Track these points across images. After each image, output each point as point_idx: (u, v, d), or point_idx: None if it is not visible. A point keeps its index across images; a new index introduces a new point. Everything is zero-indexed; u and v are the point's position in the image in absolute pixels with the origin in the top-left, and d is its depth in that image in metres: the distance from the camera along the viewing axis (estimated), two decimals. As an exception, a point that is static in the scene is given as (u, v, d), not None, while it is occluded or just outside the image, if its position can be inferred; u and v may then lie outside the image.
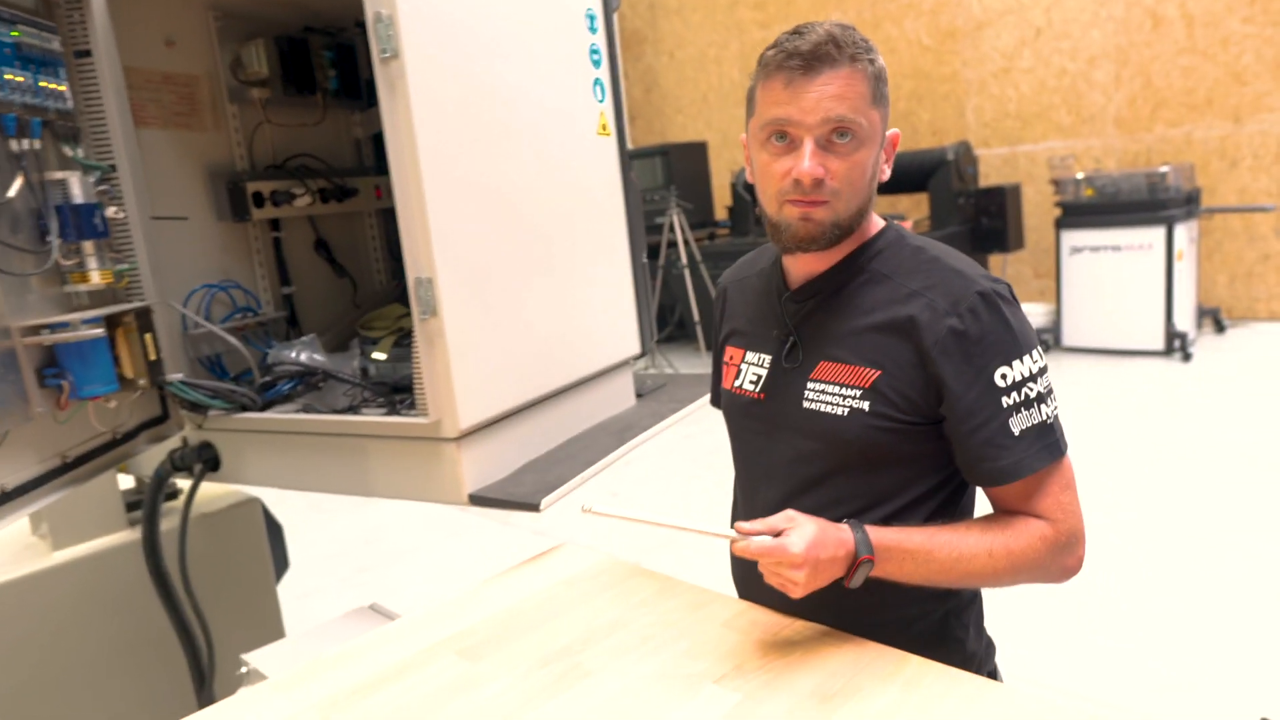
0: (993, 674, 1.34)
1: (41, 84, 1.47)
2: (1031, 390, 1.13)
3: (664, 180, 7.85)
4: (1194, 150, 6.96)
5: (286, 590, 2.36)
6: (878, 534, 1.13)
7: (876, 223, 1.26)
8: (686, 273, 6.96)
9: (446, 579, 3.92)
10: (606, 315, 1.97)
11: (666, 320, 8.04)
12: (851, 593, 1.17)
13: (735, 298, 1.42)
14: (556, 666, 1.23)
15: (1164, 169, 6.25)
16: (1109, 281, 6.39)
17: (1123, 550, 3.44)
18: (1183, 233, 6.22)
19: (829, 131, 1.11)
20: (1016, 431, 1.12)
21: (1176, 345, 6.18)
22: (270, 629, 2.22)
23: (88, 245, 1.52)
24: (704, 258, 7.11)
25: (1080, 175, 6.62)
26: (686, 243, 6.98)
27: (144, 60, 1.81)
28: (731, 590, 1.44)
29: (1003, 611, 2.86)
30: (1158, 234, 6.14)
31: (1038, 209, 7.56)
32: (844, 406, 1.18)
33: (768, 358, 1.30)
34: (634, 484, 4.76)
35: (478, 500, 1.57)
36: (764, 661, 1.18)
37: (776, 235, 1.20)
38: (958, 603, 1.28)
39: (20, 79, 1.41)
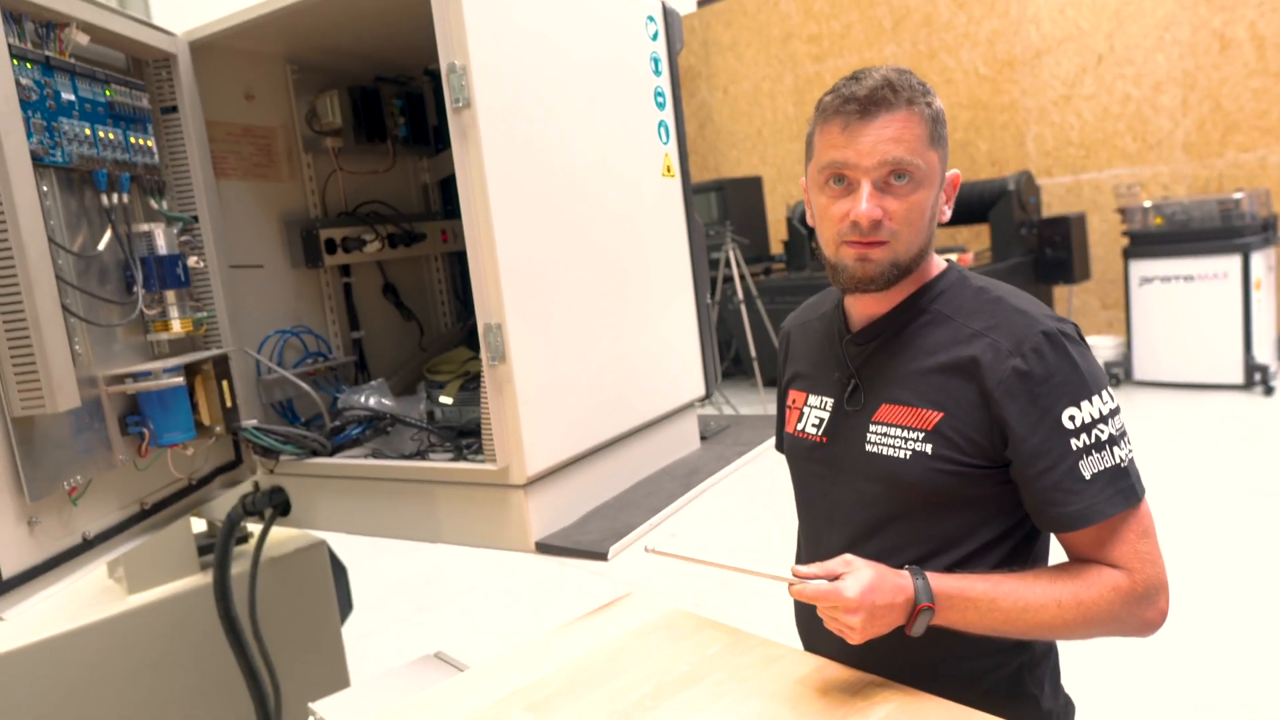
0: None
1: (131, 140, 1.52)
2: (1103, 432, 1.10)
3: (719, 216, 7.86)
4: (1269, 175, 6.72)
5: (348, 630, 2.37)
6: (939, 581, 1.10)
7: (938, 264, 1.25)
8: (743, 308, 6.93)
9: (507, 619, 3.91)
10: (672, 358, 1.95)
11: (723, 356, 8.00)
12: (920, 643, 1.14)
13: (798, 341, 1.43)
14: (630, 725, 1.19)
15: (1238, 195, 6.05)
16: (1182, 312, 6.18)
17: (1208, 600, 3.27)
18: (1260, 260, 5.99)
19: (886, 174, 1.12)
20: (1087, 475, 1.09)
21: (1257, 378, 5.93)
22: (335, 673, 2.23)
23: (170, 295, 1.56)
24: (760, 293, 7.08)
25: (1148, 203, 6.44)
26: (743, 278, 6.95)
27: (225, 114, 1.86)
28: (797, 635, 1.40)
29: (1084, 668, 2.74)
30: (1233, 262, 5.93)
31: (1104, 238, 7.38)
32: (906, 449, 1.17)
33: (830, 400, 1.29)
34: (694, 525, 4.71)
35: (545, 549, 1.55)
36: (846, 723, 1.14)
37: (835, 277, 1.21)
38: (1031, 656, 1.23)
39: (112, 136, 1.47)
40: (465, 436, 1.81)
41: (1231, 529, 3.87)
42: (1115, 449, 1.10)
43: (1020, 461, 1.11)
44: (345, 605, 2.41)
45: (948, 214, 1.22)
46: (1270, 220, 6.18)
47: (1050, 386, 1.10)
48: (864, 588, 1.07)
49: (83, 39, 1.43)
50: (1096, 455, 1.09)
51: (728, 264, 6.93)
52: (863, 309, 1.26)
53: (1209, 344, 6.09)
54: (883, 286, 1.18)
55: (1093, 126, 7.45)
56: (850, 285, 1.19)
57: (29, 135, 1.27)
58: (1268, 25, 6.55)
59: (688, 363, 2.00)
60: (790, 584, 1.12)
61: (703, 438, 2.10)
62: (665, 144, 1.95)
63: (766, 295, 7.19)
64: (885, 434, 1.19)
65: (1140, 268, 6.35)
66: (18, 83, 1.25)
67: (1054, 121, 7.64)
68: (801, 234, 7.68)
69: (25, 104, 1.27)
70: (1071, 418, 1.09)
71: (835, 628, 1.10)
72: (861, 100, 1.12)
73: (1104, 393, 1.12)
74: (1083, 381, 1.11)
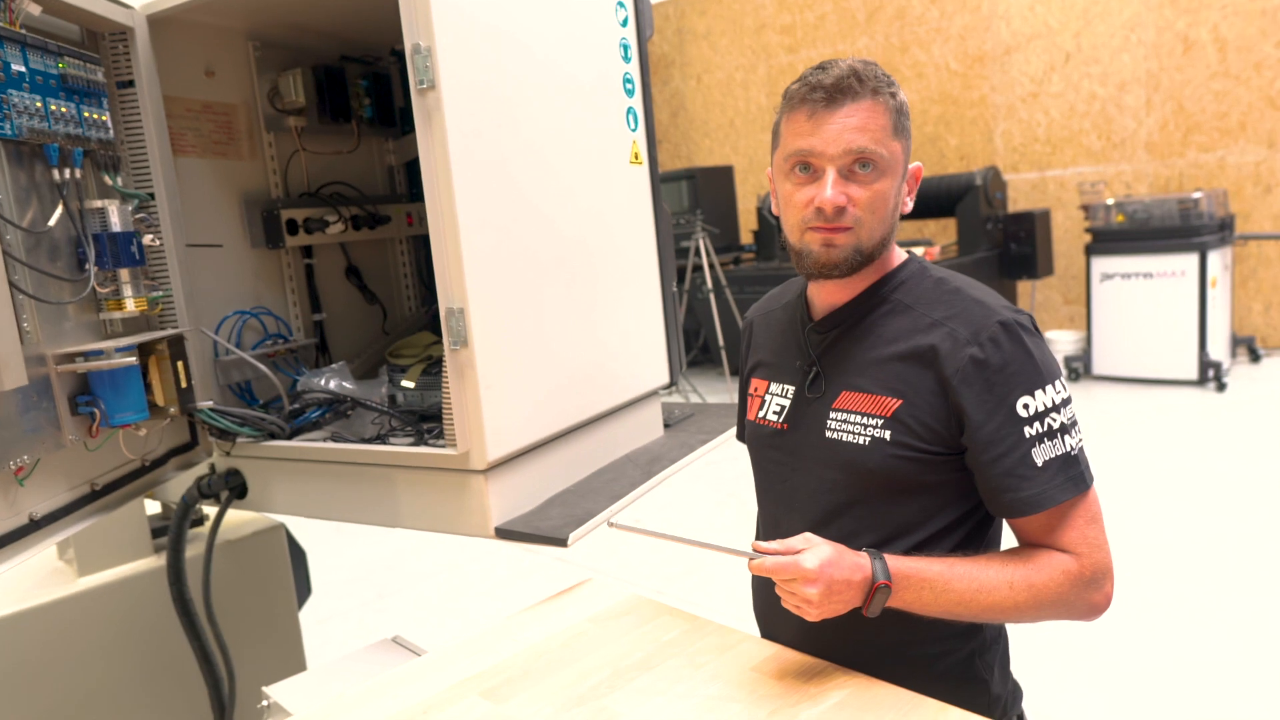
0: (1020, 719, 1.32)
1: (85, 114, 1.48)
2: (1055, 421, 1.13)
3: (690, 204, 7.86)
4: (1227, 176, 6.87)
5: (306, 615, 2.35)
6: (896, 562, 1.13)
7: (899, 255, 1.28)
8: (712, 297, 6.95)
9: (466, 605, 3.90)
10: (636, 345, 1.95)
11: (691, 345, 8.02)
12: (873, 627, 1.16)
13: (761, 331, 1.44)
14: (584, 709, 1.20)
15: (1197, 194, 6.17)
16: (1141, 309, 6.31)
17: (1154, 588, 3.35)
18: (1216, 259, 6.13)
19: (851, 162, 1.14)
20: (1039, 462, 1.11)
21: (1210, 375, 6.07)
22: (291, 657, 2.21)
23: (124, 273, 1.54)
24: (729, 282, 7.10)
25: (1111, 201, 6.55)
26: (712, 266, 6.97)
27: (184, 90, 1.82)
28: (754, 623, 1.41)
29: (1031, 654, 2.80)
30: (1190, 261, 6.06)
31: (1067, 234, 7.49)
32: (865, 435, 1.19)
33: (791, 388, 1.31)
34: (657, 512, 4.73)
35: (505, 534, 1.55)
36: (798, 707, 1.15)
37: (800, 262, 1.22)
38: (982, 642, 1.26)
39: (64, 110, 1.43)
40: (427, 421, 1.80)
41: (1181, 518, 3.97)
42: (1066, 437, 1.13)
43: (975, 448, 1.13)
44: (304, 589, 2.39)
45: (909, 205, 1.24)
46: (1227, 220, 6.31)
47: (1005, 375, 1.12)
48: (823, 561, 1.09)
49: (34, 9, 1.39)
50: (1048, 443, 1.12)
51: (697, 253, 6.94)
52: (825, 297, 1.28)
53: (1166, 340, 6.22)
54: (846, 273, 1.19)
55: (1059, 124, 7.56)
56: (814, 270, 1.20)
57: (-24, 106, 1.23)
58: (1230, 28, 6.68)
59: (652, 350, 2.00)
60: (750, 559, 1.14)
61: (666, 425, 2.11)
62: (634, 131, 1.94)
63: (735, 285, 7.22)
64: (845, 421, 1.21)
65: (1102, 264, 6.46)
66: (-36, 52, 1.21)
67: (1022, 118, 7.74)
68: (771, 224, 7.71)
69: (-28, 74, 1.23)
70: (1025, 406, 1.12)
71: (792, 603, 1.12)
72: (828, 89, 1.13)
73: (1057, 383, 1.14)
74: (1037, 371, 1.13)
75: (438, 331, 2.17)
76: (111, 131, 1.57)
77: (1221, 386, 6.01)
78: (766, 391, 1.36)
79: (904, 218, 1.25)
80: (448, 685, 1.30)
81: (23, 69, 1.36)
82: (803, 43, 8.93)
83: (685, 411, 2.25)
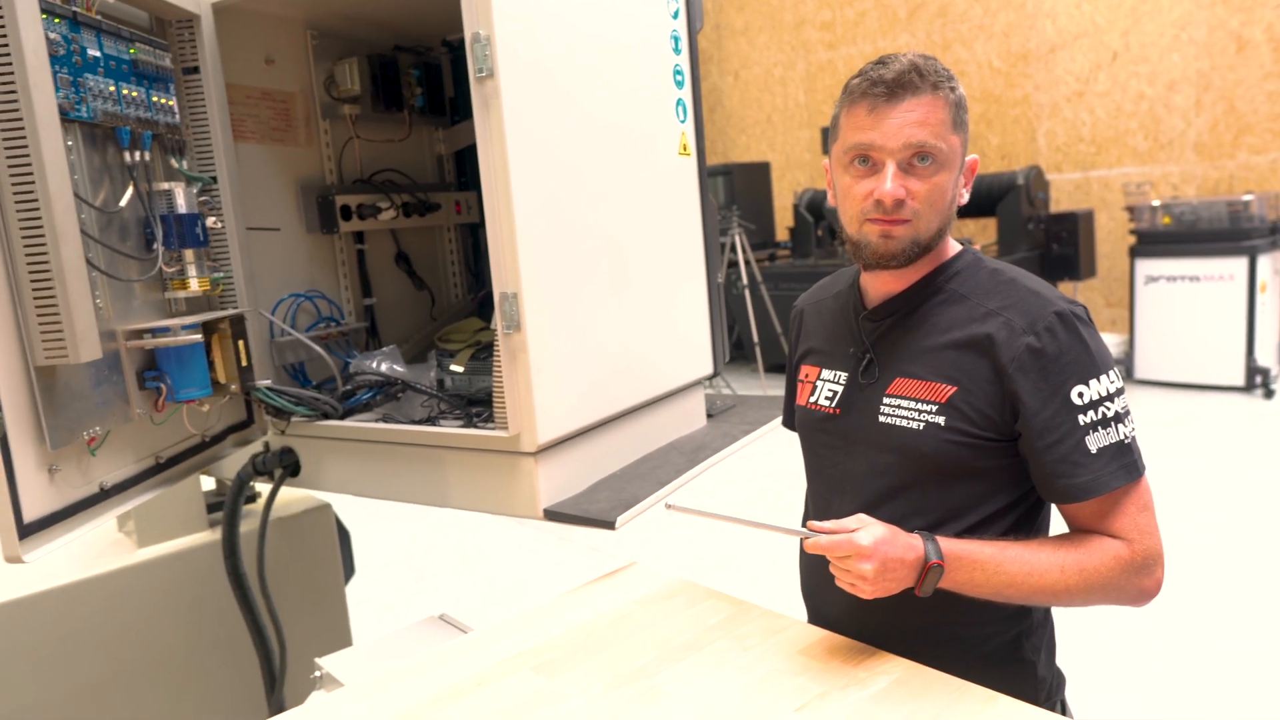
0: (1063, 705, 1.33)
1: (154, 99, 1.53)
2: (1109, 409, 1.14)
3: (727, 200, 7.85)
4: (1279, 178, 6.72)
5: (350, 594, 2.40)
6: (948, 544, 1.15)
7: (953, 246, 1.29)
8: (747, 293, 6.94)
9: (511, 592, 3.94)
10: (682, 334, 1.97)
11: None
12: (922, 609, 1.18)
13: (811, 319, 1.46)
14: (632, 688, 1.22)
15: (1247, 197, 6.04)
16: (1186, 312, 6.19)
17: (1196, 594, 3.31)
18: (1267, 264, 6.00)
19: (910, 155, 1.16)
20: (1093, 449, 1.13)
21: (1258, 381, 5.95)
22: (338, 633, 2.26)
23: (189, 254, 1.58)
24: (764, 278, 7.09)
25: (1157, 202, 6.44)
26: (748, 263, 6.96)
27: (245, 77, 1.87)
28: (802, 611, 1.43)
29: (1076, 647, 2.78)
30: (1239, 264, 5.94)
31: (1110, 236, 7.38)
32: (919, 421, 1.21)
33: (844, 374, 1.33)
34: (701, 500, 4.73)
35: (553, 515, 1.57)
36: (845, 692, 1.16)
37: (857, 253, 1.24)
38: (1029, 625, 1.28)
39: (135, 94, 1.48)
40: (475, 405, 1.83)
41: (1225, 528, 3.90)
42: (1120, 426, 1.15)
43: (1030, 434, 1.15)
44: (348, 569, 2.44)
45: (965, 197, 1.25)
46: (1278, 224, 6.18)
47: (1061, 364, 1.14)
48: (877, 539, 1.12)
49: (110, -5, 1.44)
50: (1102, 431, 1.13)
51: (733, 248, 6.94)
52: (879, 287, 1.29)
53: (1212, 345, 6.10)
54: (903, 263, 1.21)
55: (1105, 124, 7.43)
56: (872, 261, 1.22)
57: (56, 89, 1.28)
58: (1285, 27, 6.52)
59: (697, 340, 2.02)
60: (806, 538, 1.16)
61: (709, 415, 2.12)
62: (683, 122, 1.96)
63: (771, 281, 7.20)
64: (899, 406, 1.23)
65: (1146, 266, 6.35)
66: (47, 37, 1.26)
67: (1066, 117, 7.62)
68: (808, 221, 7.68)
69: (53, 59, 1.28)
70: (1080, 394, 1.13)
71: (847, 581, 1.14)
72: (889, 83, 1.15)
73: (1111, 373, 1.16)
74: (1092, 361, 1.15)
75: (485, 318, 2.21)
76: (178, 116, 1.62)
77: (1269, 393, 5.89)
78: (818, 378, 1.38)
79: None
80: (499, 660, 1.33)
81: (98, 54, 1.41)
82: (842, 39, 8.87)
83: (727, 402, 2.26)
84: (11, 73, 1.19)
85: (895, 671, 1.19)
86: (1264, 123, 6.74)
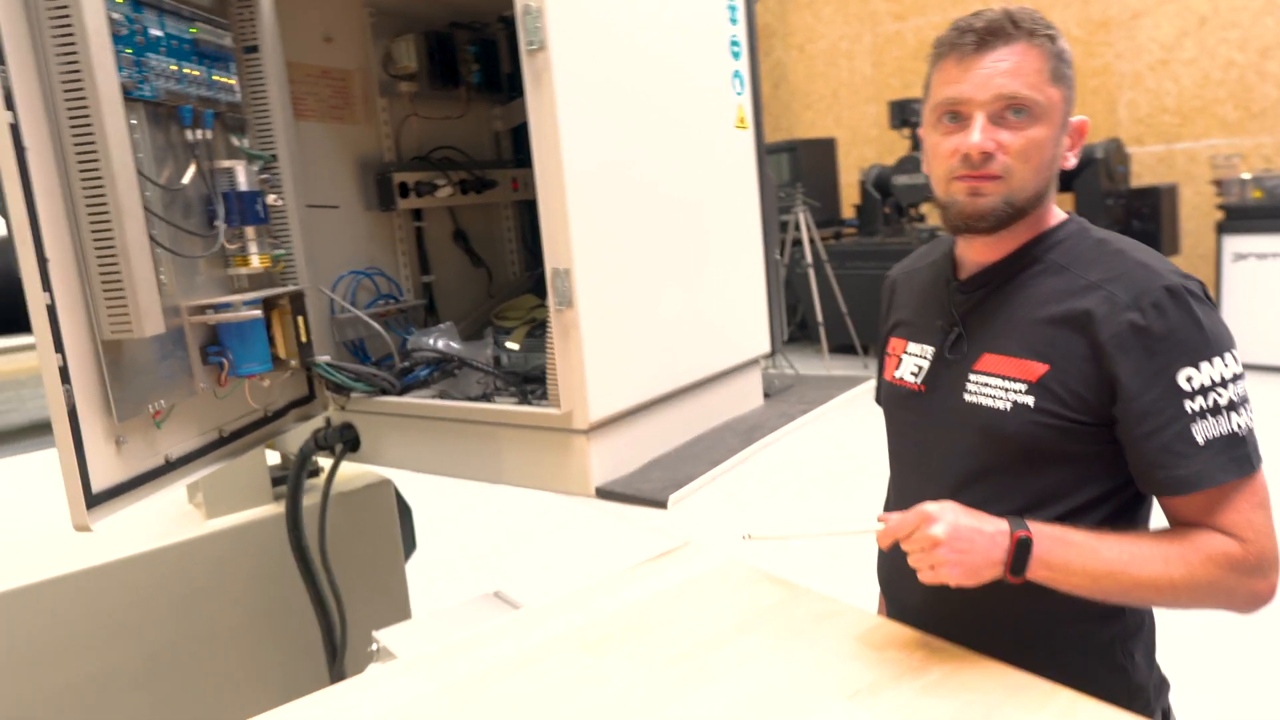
0: (1165, 714, 1.23)
1: (215, 78, 1.55)
2: (1221, 396, 1.04)
3: (791, 177, 7.73)
4: (1384, 149, 6.31)
5: (411, 569, 2.43)
6: (1036, 524, 1.06)
7: (1058, 214, 1.20)
8: (811, 272, 6.83)
9: (564, 570, 3.98)
10: (738, 312, 1.94)
11: (789, 320, 7.92)
12: (1005, 603, 1.11)
13: (903, 289, 1.39)
14: (681, 668, 1.21)
15: (1347, 169, 5.69)
16: (1278, 291, 5.88)
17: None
18: (1367, 240, 5.65)
19: (1002, 107, 1.08)
20: (1200, 440, 1.04)
21: (1356, 364, 5.62)
22: (397, 607, 2.30)
23: (250, 231, 1.60)
24: (830, 257, 6.96)
25: (1247, 175, 6.11)
26: (812, 241, 6.84)
27: (304, 56, 1.89)
28: (853, 597, 1.39)
29: (1182, 650, 2.67)
30: (1337, 241, 5.61)
31: (1196, 211, 7.03)
32: (1007, 400, 1.13)
33: (930, 349, 1.26)
34: (756, 484, 4.70)
35: (605, 494, 1.56)
36: (899, 681, 1.13)
37: (945, 215, 1.16)
38: (1124, 627, 1.18)
39: (197, 73, 1.50)
40: (530, 382, 1.82)
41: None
42: (1234, 415, 1.05)
43: (1129, 420, 1.06)
44: (409, 545, 2.48)
45: (1072, 161, 1.16)
46: (1381, 196, 5.81)
47: (1169, 344, 1.04)
48: (945, 506, 1.06)
49: (171, -25, 1.46)
50: (1212, 419, 1.04)
51: (797, 227, 6.82)
52: (974, 256, 1.22)
53: (1305, 326, 5.79)
54: (994, 225, 1.13)
55: (1191, 93, 7.07)
56: (960, 223, 1.14)
57: (119, 69, 1.30)
58: (1394, -15, 6.10)
59: (754, 318, 1.98)
60: (878, 532, 1.12)
61: (766, 395, 2.08)
62: (739, 95, 1.91)
63: (836, 260, 7.07)
64: (985, 384, 1.16)
65: (1234, 243, 6.05)
66: (109, 18, 1.28)
67: (1149, 87, 7.27)
68: (874, 198, 7.51)
69: (116, 38, 1.30)
70: (1189, 379, 1.04)
71: (926, 564, 1.06)
72: (979, 32, 1.08)
73: (1228, 355, 1.05)
74: (1205, 341, 1.05)
75: (541, 295, 2.20)
76: (238, 94, 1.64)
77: (1367, 377, 5.57)
78: (905, 351, 1.31)
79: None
80: (549, 637, 1.33)
81: (160, 34, 1.43)
82: (911, 9, 8.60)
83: (786, 382, 2.22)
84: (75, 53, 1.21)
85: (951, 661, 1.15)
86: (1368, 89, 6.32)
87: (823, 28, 9.43)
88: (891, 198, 7.30)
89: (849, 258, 7.16)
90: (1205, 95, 7.01)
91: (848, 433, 4.96)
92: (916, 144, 7.16)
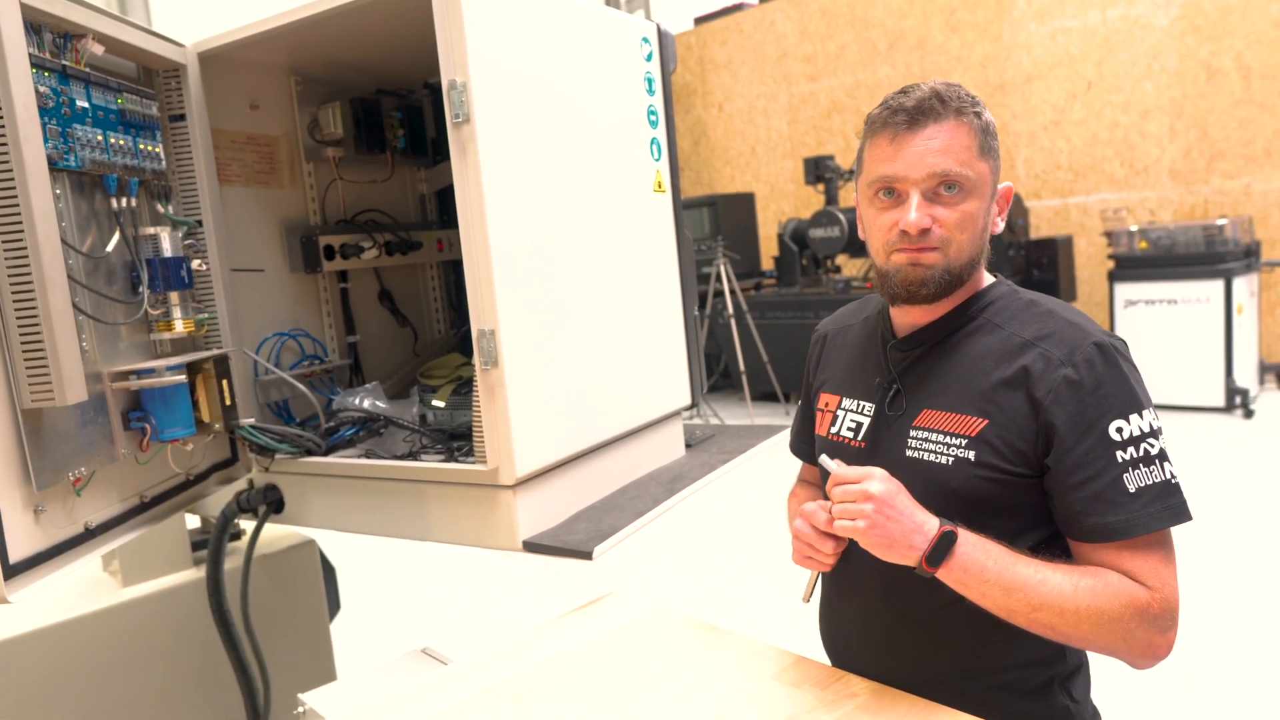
0: None
1: (140, 146, 1.58)
2: (1152, 447, 1.09)
3: (711, 231, 7.94)
4: (1253, 203, 6.85)
5: (336, 630, 2.41)
6: (964, 531, 1.10)
7: (988, 277, 1.25)
8: (733, 322, 7.00)
9: (493, 624, 3.94)
10: (659, 366, 2.01)
11: (712, 369, 8.07)
12: (948, 650, 1.16)
13: (834, 345, 1.43)
14: (610, 714, 1.25)
15: (1221, 221, 6.16)
16: (1165, 335, 6.28)
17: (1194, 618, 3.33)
18: (1243, 286, 6.10)
19: (936, 184, 1.13)
20: (1131, 489, 1.07)
21: (1237, 401, 6.02)
22: (323, 668, 2.27)
23: (174, 296, 1.62)
24: (750, 308, 7.15)
25: (1134, 227, 6.55)
26: (733, 292, 7.03)
27: (230, 122, 1.92)
28: (775, 639, 1.45)
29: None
30: (1216, 287, 6.04)
31: (1090, 261, 7.49)
32: (948, 455, 1.16)
33: (869, 405, 1.29)
34: (681, 534, 4.75)
35: (532, 547, 1.60)
36: (814, 715, 1.19)
37: (885, 284, 1.20)
38: (1065, 667, 1.21)
39: (122, 142, 1.52)
40: (456, 439, 1.86)
41: (1208, 547, 3.94)
42: (1164, 464, 1.09)
43: (1062, 469, 1.10)
44: (334, 605, 2.45)
45: (1000, 225, 1.21)
46: (1253, 246, 6.29)
47: (1099, 397, 1.09)
48: (894, 481, 1.12)
49: (98, 49, 1.49)
50: (1144, 469, 1.08)
51: (719, 278, 7.01)
52: (910, 317, 1.25)
53: (1191, 367, 6.18)
54: (934, 294, 1.17)
55: (1081, 151, 7.58)
56: (901, 292, 1.18)
57: (45, 140, 1.32)
58: (1254, 56, 6.69)
59: (674, 372, 2.06)
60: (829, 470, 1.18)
61: (688, 445, 2.16)
62: (657, 161, 2.01)
63: (756, 310, 7.27)
64: (926, 439, 1.19)
65: (1125, 290, 6.45)
66: (37, 90, 1.30)
67: (1044, 145, 7.77)
68: (792, 250, 7.76)
69: (43, 110, 1.32)
70: (1119, 430, 1.08)
71: (847, 512, 1.11)
72: (909, 111, 1.13)
73: (1152, 409, 1.11)
74: (1133, 395, 1.10)
75: (467, 353, 2.25)
76: (164, 162, 1.66)
77: (1249, 413, 5.96)
78: (838, 407, 1.34)
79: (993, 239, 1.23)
80: (478, 690, 1.35)
81: (86, 105, 1.46)
82: (824, 72, 9.03)
83: (706, 432, 2.30)
84: (1, 126, 1.23)
85: (863, 693, 1.22)
86: (1236, 148, 6.88)
87: (740, 87, 9.80)
88: (808, 250, 7.57)
89: (769, 308, 7.37)
90: (1094, 153, 7.52)
91: (768, 481, 5.08)
92: (830, 199, 7.47)
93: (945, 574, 1.09)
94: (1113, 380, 1.10)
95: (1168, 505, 1.08)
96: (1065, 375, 1.10)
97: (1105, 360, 1.10)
